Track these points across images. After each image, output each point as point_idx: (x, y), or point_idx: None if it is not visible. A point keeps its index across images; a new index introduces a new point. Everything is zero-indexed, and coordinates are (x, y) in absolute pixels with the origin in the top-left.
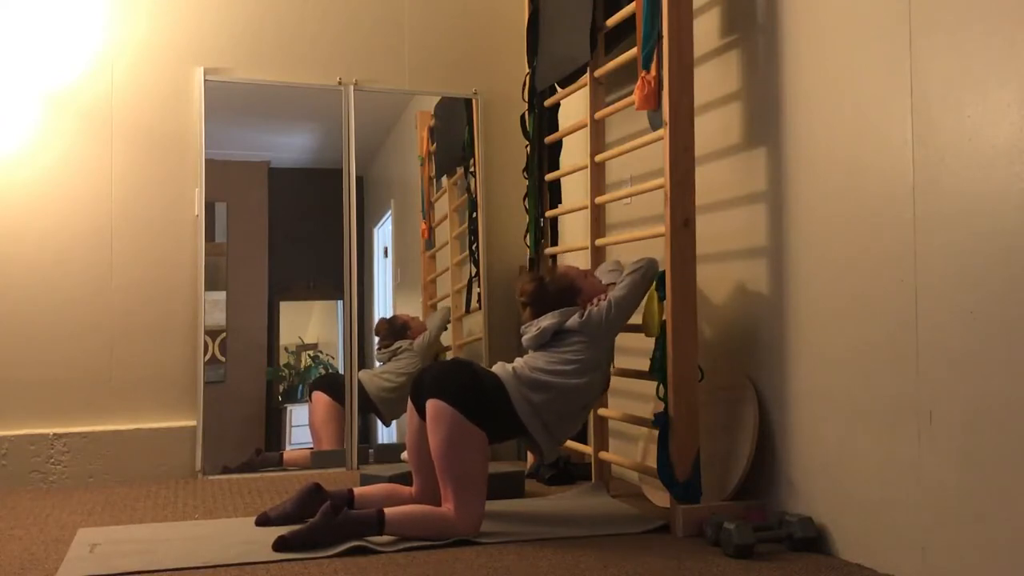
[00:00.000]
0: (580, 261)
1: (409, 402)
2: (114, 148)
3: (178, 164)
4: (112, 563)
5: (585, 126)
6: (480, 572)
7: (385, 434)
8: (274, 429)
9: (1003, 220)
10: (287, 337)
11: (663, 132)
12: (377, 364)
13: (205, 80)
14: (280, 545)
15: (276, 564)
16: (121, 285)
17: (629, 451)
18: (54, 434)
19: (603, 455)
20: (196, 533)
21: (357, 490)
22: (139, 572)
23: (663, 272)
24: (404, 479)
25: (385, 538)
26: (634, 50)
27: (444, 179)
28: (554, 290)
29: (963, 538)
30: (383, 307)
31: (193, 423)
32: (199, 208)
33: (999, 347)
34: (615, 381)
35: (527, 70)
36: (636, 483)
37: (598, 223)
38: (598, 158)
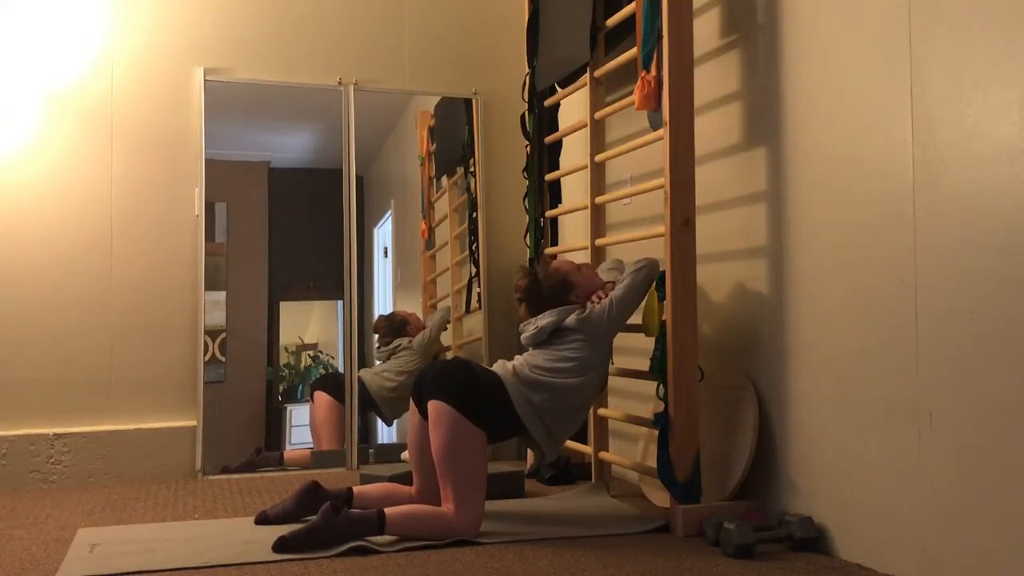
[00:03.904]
0: (580, 261)
1: (411, 401)
2: (114, 148)
3: (178, 164)
4: (112, 563)
5: (585, 126)
6: (480, 572)
7: (385, 434)
8: (274, 429)
9: (1003, 220)
10: (287, 337)
11: (663, 132)
12: (376, 362)
13: (205, 80)
14: (280, 546)
15: (275, 564)
16: (121, 285)
17: (629, 451)
18: (54, 434)
19: (603, 455)
20: (196, 533)
21: (356, 489)
22: (139, 572)
23: (663, 272)
24: (404, 479)
25: (385, 538)
26: (634, 50)
27: (444, 179)
28: (548, 286)
29: (962, 538)
30: (383, 307)
31: (193, 423)
32: (199, 208)
33: (999, 347)
34: (615, 381)
35: (527, 70)
36: (636, 483)
37: (598, 223)
38: (598, 158)
